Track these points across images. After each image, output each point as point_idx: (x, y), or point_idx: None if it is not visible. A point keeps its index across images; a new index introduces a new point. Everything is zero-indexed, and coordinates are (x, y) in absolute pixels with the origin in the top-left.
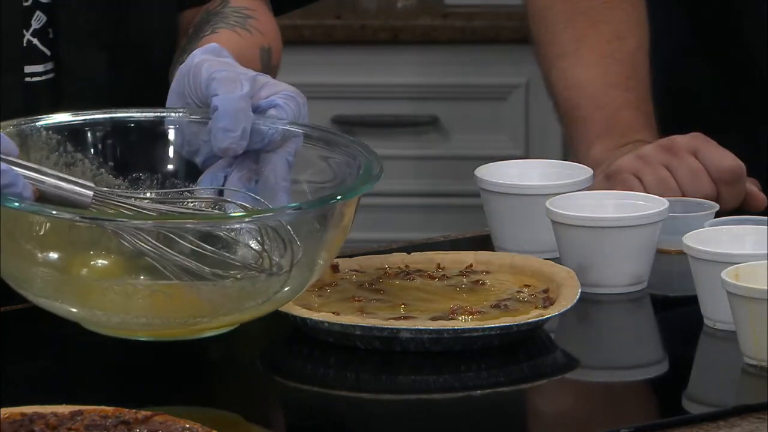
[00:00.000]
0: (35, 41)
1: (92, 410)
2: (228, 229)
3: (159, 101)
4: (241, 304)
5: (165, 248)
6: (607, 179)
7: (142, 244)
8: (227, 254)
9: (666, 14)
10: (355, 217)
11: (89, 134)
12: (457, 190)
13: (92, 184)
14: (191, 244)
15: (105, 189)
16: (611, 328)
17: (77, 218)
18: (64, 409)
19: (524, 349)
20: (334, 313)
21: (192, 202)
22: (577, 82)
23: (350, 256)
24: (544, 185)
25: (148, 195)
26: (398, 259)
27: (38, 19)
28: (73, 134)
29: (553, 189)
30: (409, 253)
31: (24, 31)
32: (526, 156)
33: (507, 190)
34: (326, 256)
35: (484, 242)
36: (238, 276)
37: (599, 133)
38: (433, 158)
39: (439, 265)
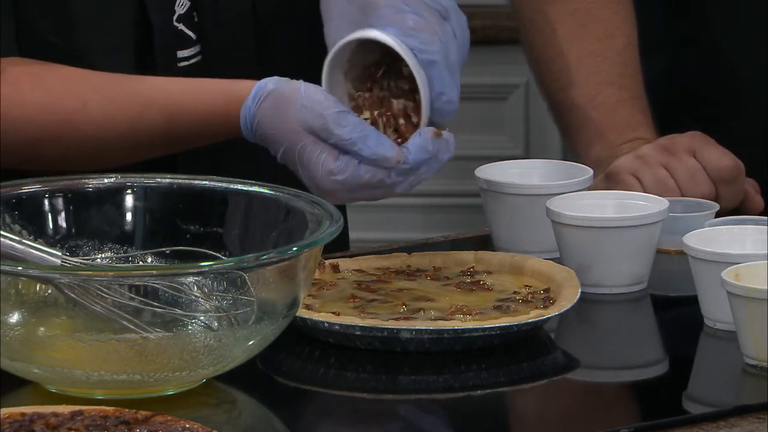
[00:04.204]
0: (181, 26)
1: (92, 410)
2: (181, 284)
3: (304, 76)
4: (211, 360)
5: (144, 299)
6: (606, 179)
7: (114, 298)
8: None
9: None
10: (356, 218)
11: (25, 204)
12: (457, 190)
13: (59, 253)
14: (147, 304)
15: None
16: (611, 328)
17: (57, 276)
18: (64, 409)
19: (524, 349)
20: (334, 313)
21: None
22: (570, 83)
23: (350, 256)
24: (544, 185)
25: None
26: (398, 259)
27: (181, 5)
28: (9, 205)
29: (553, 189)
30: (409, 253)
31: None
32: (526, 156)
33: (507, 190)
34: (286, 306)
35: (484, 242)
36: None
37: (597, 133)
38: None
39: (438, 265)
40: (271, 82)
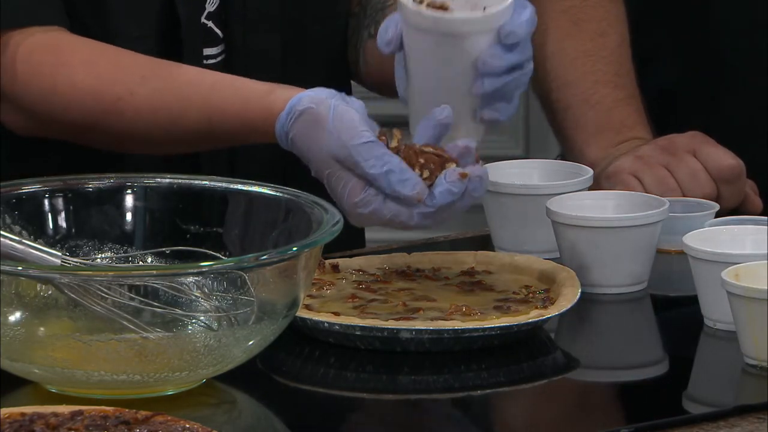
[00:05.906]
0: (210, 24)
1: (92, 410)
2: (182, 283)
3: (331, 79)
4: (211, 360)
5: (144, 299)
6: (606, 180)
7: (114, 298)
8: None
9: (635, 19)
10: None
11: (25, 204)
12: None
13: (59, 253)
14: (147, 304)
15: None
16: (611, 328)
17: (57, 276)
18: (64, 409)
19: (524, 349)
20: (334, 313)
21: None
22: (565, 83)
23: (350, 256)
24: (544, 185)
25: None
26: (398, 259)
27: (212, 2)
28: (9, 205)
29: (553, 189)
30: (409, 253)
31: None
32: (526, 156)
33: (507, 190)
34: (286, 306)
35: (484, 242)
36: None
37: (593, 133)
38: None
39: (438, 265)
40: (305, 99)
